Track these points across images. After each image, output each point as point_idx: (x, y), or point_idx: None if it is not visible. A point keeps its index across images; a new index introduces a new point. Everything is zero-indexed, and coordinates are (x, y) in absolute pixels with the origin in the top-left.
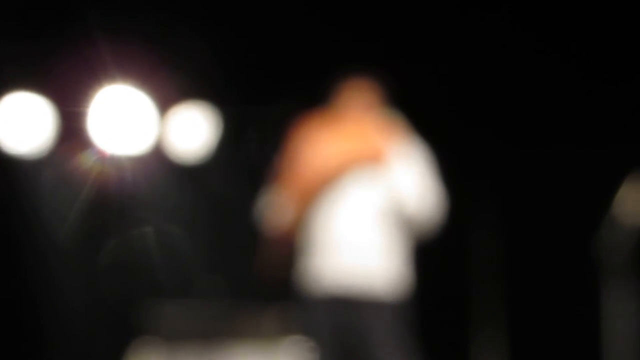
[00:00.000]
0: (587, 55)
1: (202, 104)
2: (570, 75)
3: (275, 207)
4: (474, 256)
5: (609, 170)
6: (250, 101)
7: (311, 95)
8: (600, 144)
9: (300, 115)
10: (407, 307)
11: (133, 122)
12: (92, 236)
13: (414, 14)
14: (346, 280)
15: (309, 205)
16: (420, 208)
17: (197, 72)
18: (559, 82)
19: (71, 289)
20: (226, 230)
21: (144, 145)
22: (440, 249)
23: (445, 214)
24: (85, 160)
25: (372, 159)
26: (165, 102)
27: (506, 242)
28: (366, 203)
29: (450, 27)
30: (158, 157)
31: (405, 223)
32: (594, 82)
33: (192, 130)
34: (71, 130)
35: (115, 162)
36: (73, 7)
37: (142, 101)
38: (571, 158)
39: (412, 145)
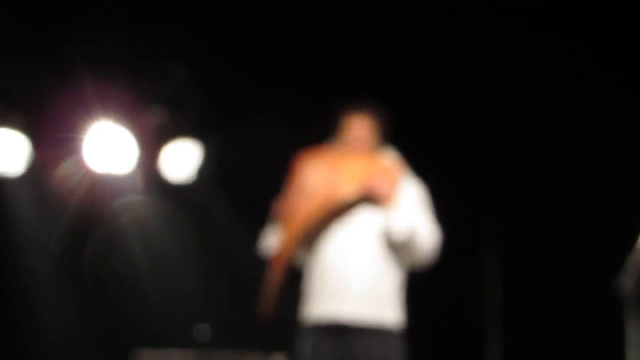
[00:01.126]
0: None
1: (188, 139)
2: (578, 109)
3: (275, 241)
4: (484, 291)
5: (630, 200)
6: (235, 130)
7: (302, 122)
8: (618, 173)
9: (301, 150)
10: (404, 337)
11: (115, 159)
12: (74, 277)
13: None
14: (340, 310)
15: (307, 237)
16: (417, 241)
17: (181, 107)
18: (570, 111)
19: (55, 335)
20: (218, 272)
21: (128, 180)
22: (448, 281)
23: (443, 248)
24: (66, 190)
25: (371, 194)
26: (148, 139)
27: (519, 277)
28: (363, 237)
29: (445, 59)
30: (144, 194)
31: (402, 255)
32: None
33: (180, 165)
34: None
35: (99, 197)
36: (55, 45)
37: (125, 138)
38: (589, 185)
39: (410, 181)
